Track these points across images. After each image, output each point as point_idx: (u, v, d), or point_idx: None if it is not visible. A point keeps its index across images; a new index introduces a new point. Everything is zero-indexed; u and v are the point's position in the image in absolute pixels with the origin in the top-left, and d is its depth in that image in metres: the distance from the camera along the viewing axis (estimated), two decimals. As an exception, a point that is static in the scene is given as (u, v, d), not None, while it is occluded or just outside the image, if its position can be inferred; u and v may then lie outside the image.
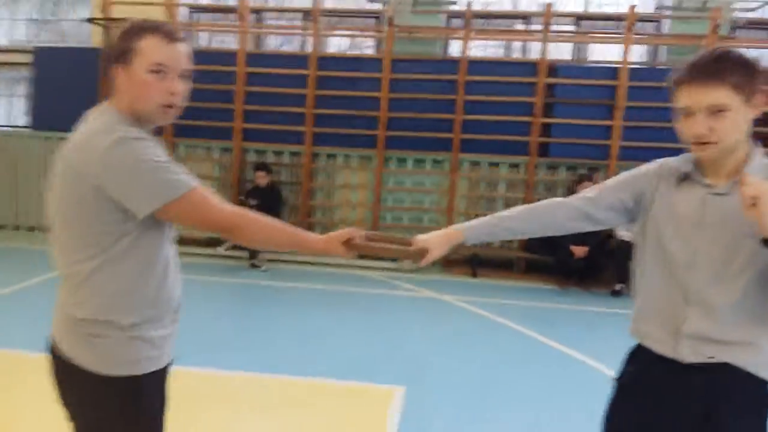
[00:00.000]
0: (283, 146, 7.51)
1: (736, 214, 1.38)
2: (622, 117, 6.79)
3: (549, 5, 6.65)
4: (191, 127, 7.38)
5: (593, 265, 6.38)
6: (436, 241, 1.64)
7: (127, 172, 1.43)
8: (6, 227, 8.11)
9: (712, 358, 1.45)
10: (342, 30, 7.89)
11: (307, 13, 7.43)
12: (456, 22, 7.35)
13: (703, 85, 1.39)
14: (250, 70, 7.35)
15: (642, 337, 1.58)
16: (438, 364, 4.09)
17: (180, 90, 1.54)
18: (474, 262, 6.92)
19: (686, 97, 1.41)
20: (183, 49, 1.55)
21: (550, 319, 5.21)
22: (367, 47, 7.99)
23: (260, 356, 4.06)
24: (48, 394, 1.62)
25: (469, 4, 6.79)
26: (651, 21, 7.28)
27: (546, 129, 6.97)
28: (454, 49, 7.48)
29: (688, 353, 1.47)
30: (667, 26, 7.19)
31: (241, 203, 6.88)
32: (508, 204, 6.99)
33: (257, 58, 7.48)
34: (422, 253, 1.63)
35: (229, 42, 8.17)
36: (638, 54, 7.50)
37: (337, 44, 8.16)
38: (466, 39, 6.93)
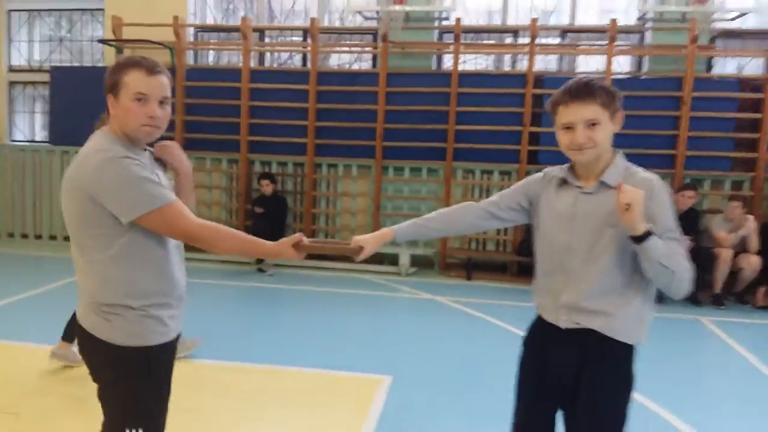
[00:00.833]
0: (287, 157, 7.92)
1: (599, 209, 1.80)
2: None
3: (535, 20, 7.01)
4: (200, 140, 7.84)
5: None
6: (370, 240, 2.04)
7: (113, 186, 1.80)
8: (28, 236, 8.57)
9: (579, 324, 1.84)
10: (340, 47, 8.27)
11: (306, 32, 7.83)
12: (448, 37, 7.72)
13: (581, 104, 1.78)
14: (254, 85, 7.76)
15: (538, 308, 1.99)
16: (427, 358, 4.47)
17: (159, 114, 1.89)
18: (469, 265, 7.28)
19: (567, 115, 1.81)
20: (162, 80, 1.90)
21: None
22: (364, 62, 8.37)
23: (264, 350, 4.47)
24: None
25: (458, 20, 7.17)
26: (635, 32, 7.60)
27: (535, 138, 7.32)
28: (446, 62, 7.84)
29: (564, 320, 1.87)
30: (650, 37, 7.52)
31: (248, 211, 7.33)
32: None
33: (260, 74, 7.90)
34: (358, 250, 2.02)
35: (233, 59, 8.59)
36: (626, 64, 7.84)
37: (335, 60, 8.56)
38: (456, 53, 7.30)
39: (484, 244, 7.73)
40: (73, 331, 3.88)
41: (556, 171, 1.96)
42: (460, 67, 7.40)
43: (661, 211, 1.79)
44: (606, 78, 7.04)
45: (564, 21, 7.78)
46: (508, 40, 7.85)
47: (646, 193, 1.72)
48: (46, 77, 8.46)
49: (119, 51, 7.95)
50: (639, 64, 7.70)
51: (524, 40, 7.43)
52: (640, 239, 1.69)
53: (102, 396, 1.99)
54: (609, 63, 7.01)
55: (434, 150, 7.53)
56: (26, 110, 9.01)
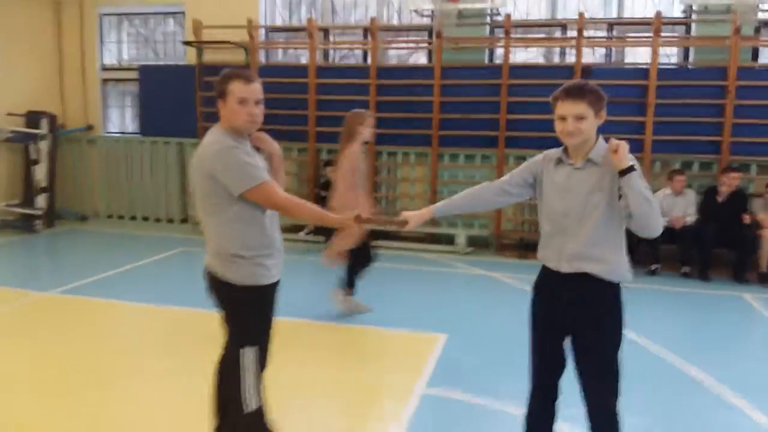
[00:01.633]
0: (350, 146, 8.62)
1: (588, 180, 2.38)
2: (653, 113, 7.53)
3: (582, 14, 7.45)
4: (273, 131, 8.47)
5: (629, 246, 7.13)
6: (414, 215, 2.67)
7: (227, 168, 2.53)
8: (123, 217, 9.62)
9: (578, 269, 2.42)
10: (398, 43, 8.90)
11: (366, 29, 8.48)
12: (498, 32, 8.22)
13: (573, 102, 2.36)
14: (320, 81, 8.49)
15: (543, 260, 2.57)
16: (480, 322, 5.12)
17: (256, 112, 2.61)
18: (522, 245, 7.83)
19: (561, 109, 2.38)
20: (256, 87, 2.62)
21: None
22: (420, 57, 8.96)
23: (334, 312, 5.20)
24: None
25: (508, 16, 7.68)
26: (681, 24, 7.92)
27: (583, 125, 7.75)
28: (498, 56, 8.36)
29: (566, 267, 2.46)
30: (696, 29, 7.82)
31: (316, 195, 8.08)
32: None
33: (326, 70, 8.62)
34: (404, 223, 2.67)
35: (301, 57, 9.33)
36: (673, 55, 8.16)
37: (394, 55, 9.18)
38: (507, 47, 7.82)
39: (536, 225, 8.25)
40: (351, 281, 5.11)
41: (553, 152, 2.53)
42: (511, 60, 7.92)
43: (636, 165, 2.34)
44: (652, 69, 7.44)
45: (612, 14, 8.15)
46: (557, 33, 8.28)
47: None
48: (134, 75, 9.43)
49: (200, 51, 8.81)
50: (685, 55, 8.00)
51: (572, 33, 7.85)
52: (625, 172, 2.25)
53: (224, 322, 2.74)
54: (655, 54, 7.39)
55: (487, 138, 8.08)
56: (118, 105, 10.02)
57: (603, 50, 8.31)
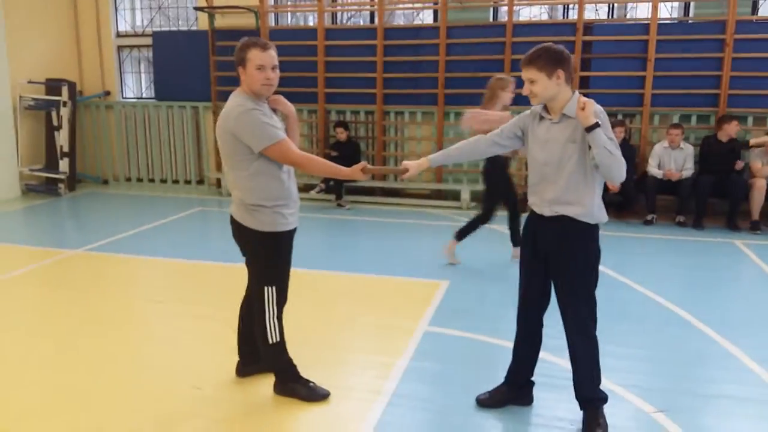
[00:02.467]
0: (359, 106, 8.89)
1: (563, 132, 2.68)
2: (653, 68, 7.70)
3: (584, -28, 7.58)
4: (284, 93, 8.82)
5: (627, 198, 7.41)
6: (413, 164, 2.99)
7: (248, 128, 2.85)
8: (142, 180, 10.02)
9: (557, 212, 2.74)
10: (403, 3, 9.06)
11: (374, -9, 8.64)
12: (503, -9, 8.34)
13: (525, 68, 2.67)
14: (329, 42, 8.71)
15: (531, 205, 2.89)
16: (479, 269, 5.48)
17: (272, 76, 2.92)
18: (525, 199, 8.10)
19: (524, 74, 2.68)
20: (271, 53, 2.92)
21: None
22: (426, 17, 9.12)
23: (345, 263, 5.58)
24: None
25: (513, -24, 7.83)
26: (683, -22, 8.01)
27: (585, 82, 7.97)
28: (502, 14, 8.51)
29: (547, 211, 2.78)
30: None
31: (326, 155, 8.39)
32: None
33: (334, 32, 8.83)
34: (404, 170, 2.98)
35: (309, 19, 9.52)
36: (674, 10, 8.27)
37: (400, 15, 9.35)
38: (511, 5, 7.97)
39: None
40: (463, 232, 5.65)
41: (537, 108, 2.82)
42: (515, 19, 8.08)
43: (603, 125, 2.60)
44: (652, 24, 7.58)
45: (614, -30, 8.24)
46: (560, -10, 8.40)
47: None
48: (149, 41, 9.69)
49: (212, 16, 9.04)
50: (686, 9, 8.12)
51: (575, -10, 7.97)
52: (590, 129, 2.54)
53: (248, 264, 3.11)
54: (655, 9, 7.52)
55: (491, 96, 8.29)
56: (134, 71, 10.31)
57: (605, 6, 8.43)
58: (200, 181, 9.76)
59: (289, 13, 9.66)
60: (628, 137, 7.71)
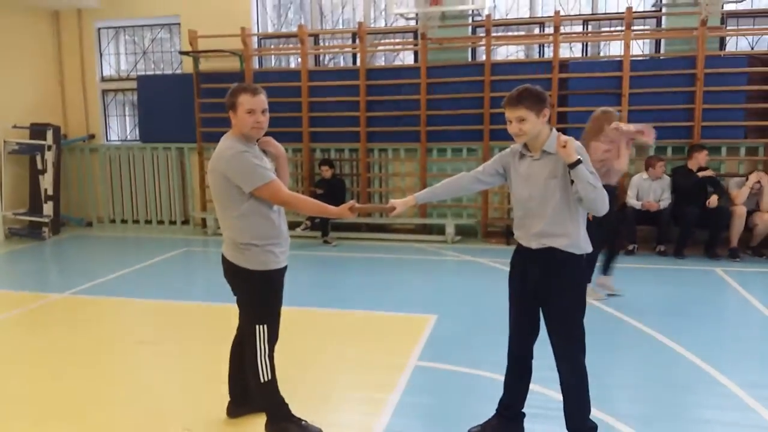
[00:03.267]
0: (343, 144, 9.03)
1: (544, 168, 2.77)
2: (627, 103, 7.94)
3: (558, 12, 7.86)
4: (269, 133, 8.96)
5: (613, 231, 7.52)
6: (400, 202, 3.07)
7: (239, 169, 2.93)
8: (127, 222, 10.01)
9: (545, 244, 2.81)
10: (384, 45, 9.29)
11: (355, 34, 8.87)
12: (480, 32, 8.62)
13: (514, 107, 2.77)
14: (312, 83, 8.89)
15: (517, 238, 2.97)
16: (467, 303, 5.53)
17: (262, 119, 3.02)
18: (508, 232, 8.24)
19: (507, 114, 2.80)
20: (261, 98, 3.03)
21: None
22: (406, 58, 9.35)
23: (333, 300, 5.61)
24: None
25: (488, 16, 8.09)
26: (652, 17, 8.34)
27: (563, 117, 8.19)
28: (480, 54, 8.76)
29: (534, 244, 2.85)
30: (666, 21, 8.25)
31: (311, 193, 8.47)
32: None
33: (317, 73, 9.02)
34: (391, 209, 3.06)
35: (293, 62, 9.70)
36: (646, 47, 8.57)
37: (381, 56, 9.57)
38: (488, 45, 8.23)
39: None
40: (608, 266, 5.60)
41: (517, 147, 2.92)
42: (492, 58, 8.33)
43: (585, 160, 2.71)
44: (625, 61, 7.85)
45: (586, 10, 8.56)
46: (536, 30, 8.69)
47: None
48: (133, 85, 9.81)
49: (196, 60, 9.18)
50: (657, 46, 8.43)
51: (550, 30, 8.26)
52: (573, 165, 2.64)
53: (239, 303, 3.14)
54: (627, 47, 7.81)
55: (473, 132, 8.50)
56: (118, 114, 10.38)
57: (579, 45, 8.72)
58: (185, 221, 9.78)
59: (273, 56, 9.85)
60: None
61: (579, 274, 2.87)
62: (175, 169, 9.70)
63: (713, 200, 7.16)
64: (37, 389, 3.83)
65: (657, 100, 7.90)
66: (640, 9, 8.38)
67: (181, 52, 9.34)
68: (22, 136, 9.21)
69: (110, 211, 10.07)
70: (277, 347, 3.18)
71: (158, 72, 10.05)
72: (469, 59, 8.81)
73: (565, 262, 2.82)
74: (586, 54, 8.69)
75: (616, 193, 5.40)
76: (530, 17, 8.67)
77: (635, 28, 8.03)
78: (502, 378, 3.13)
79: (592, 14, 8.50)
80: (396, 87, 8.69)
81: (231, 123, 3.04)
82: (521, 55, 9.00)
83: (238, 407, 3.36)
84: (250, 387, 3.18)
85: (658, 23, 8.37)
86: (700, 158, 7.33)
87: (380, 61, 9.46)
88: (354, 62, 9.18)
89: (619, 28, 8.13)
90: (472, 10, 8.52)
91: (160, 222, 9.87)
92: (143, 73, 9.98)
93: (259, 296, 3.08)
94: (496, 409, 3.16)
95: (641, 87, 7.91)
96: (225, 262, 3.11)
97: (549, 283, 2.84)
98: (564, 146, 2.66)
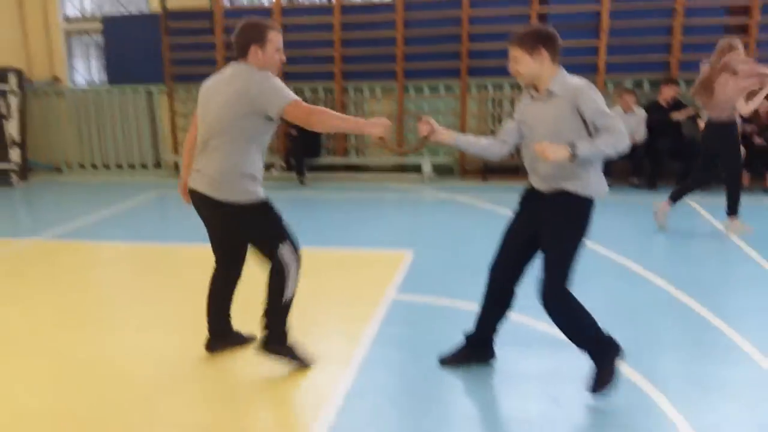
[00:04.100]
0: (318, 83, 8.84)
1: (552, 111, 2.67)
2: (606, 37, 7.84)
3: (536, -58, 7.64)
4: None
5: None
6: (442, 130, 2.91)
7: (271, 89, 2.79)
8: (97, 167, 9.79)
9: (555, 187, 2.72)
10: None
11: (328, -33, 8.56)
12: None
13: (510, 47, 2.70)
14: (285, 21, 8.60)
15: (529, 180, 2.90)
16: (443, 238, 5.55)
17: (284, 57, 2.97)
18: (485, 169, 8.24)
19: (510, 52, 2.71)
20: (281, 37, 2.96)
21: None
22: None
23: (311, 238, 5.56)
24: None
25: (466, -52, 7.84)
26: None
27: (541, 52, 8.06)
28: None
29: (545, 187, 2.77)
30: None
31: (286, 133, 8.34)
32: (510, 119, 8.22)
33: (290, 11, 8.75)
34: (429, 130, 2.87)
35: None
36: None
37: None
38: (465, -22, 8.01)
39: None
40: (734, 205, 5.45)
41: (526, 90, 2.83)
42: (470, -9, 8.12)
43: (588, 105, 2.59)
44: (603, -7, 7.72)
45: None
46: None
47: (575, 97, 2.59)
48: (98, 26, 9.41)
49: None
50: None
51: (528, -39, 8.04)
52: (571, 159, 2.53)
53: (250, 241, 3.09)
54: (605, -19, 7.65)
55: (450, 69, 8.37)
56: (84, 56, 10.01)
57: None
58: (157, 165, 9.60)
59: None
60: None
61: (583, 216, 2.75)
62: (145, 111, 9.44)
63: (676, 114, 7.24)
64: (8, 333, 3.79)
65: (635, 34, 7.81)
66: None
67: (147, -11, 8.96)
68: (-17, 80, 8.85)
69: (80, 156, 9.81)
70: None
71: (124, 12, 9.64)
72: (446, -7, 8.57)
73: (573, 203, 2.73)
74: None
75: (736, 131, 5.32)
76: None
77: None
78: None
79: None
80: (372, 24, 8.46)
81: (246, 56, 2.89)
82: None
83: (217, 342, 3.35)
84: (228, 324, 3.26)
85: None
86: (666, 92, 7.32)
87: (355, -3, 9.17)
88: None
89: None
90: (449, -58, 8.24)
91: (131, 166, 9.67)
92: (109, 13, 9.58)
93: (267, 221, 3.05)
94: (466, 335, 3.16)
95: (620, 20, 7.79)
96: (222, 206, 2.94)
97: (555, 223, 2.77)
98: (543, 154, 2.53)
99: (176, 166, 9.11)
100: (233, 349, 3.37)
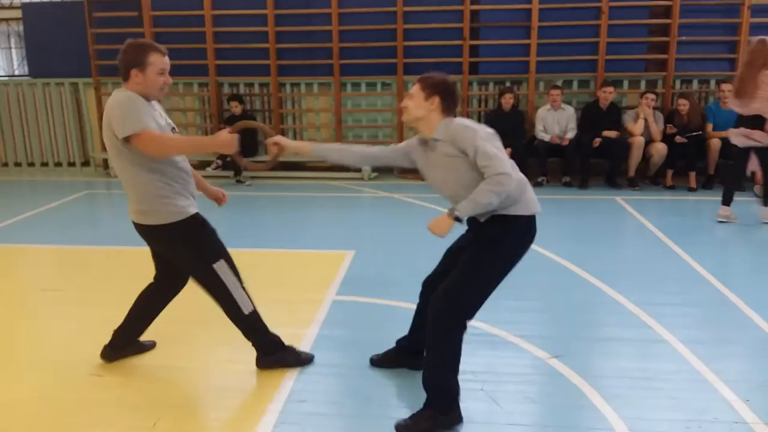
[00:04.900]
0: (253, 78, 8.69)
1: (438, 155, 2.65)
2: (537, 36, 8.04)
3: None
4: (172, 66, 8.51)
5: (521, 162, 7.73)
6: (292, 144, 2.98)
7: (121, 116, 2.68)
8: (21, 165, 9.31)
9: (480, 217, 2.68)
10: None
11: (263, -41, 8.40)
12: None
13: (415, 82, 2.71)
14: (216, 12, 8.41)
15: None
16: (383, 237, 5.58)
17: (170, 80, 2.87)
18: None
19: (412, 86, 2.72)
20: (167, 58, 2.85)
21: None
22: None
23: (249, 240, 5.51)
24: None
25: (402, -55, 7.86)
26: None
27: (475, 50, 8.21)
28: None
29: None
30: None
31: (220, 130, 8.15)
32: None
33: (222, 1, 8.50)
34: (274, 143, 2.96)
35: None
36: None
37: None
38: (401, -25, 8.04)
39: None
40: (728, 195, 5.73)
41: (420, 135, 2.80)
42: (405, -12, 8.16)
43: (467, 144, 2.55)
44: (535, -7, 7.90)
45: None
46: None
47: (454, 140, 2.57)
48: (18, 14, 8.93)
49: (87, -15, 8.44)
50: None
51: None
52: (458, 221, 2.56)
53: (180, 261, 3.04)
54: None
55: (386, 65, 8.38)
56: (3, 47, 9.48)
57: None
58: (85, 163, 9.21)
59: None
60: (517, 103, 8.05)
61: (511, 237, 2.73)
62: (71, 106, 9.04)
63: (613, 133, 7.49)
64: (-73, 344, 3.57)
65: (565, 34, 8.05)
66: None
67: (70, -23, 8.55)
68: None
69: (1, 154, 9.31)
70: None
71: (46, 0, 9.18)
72: (382, -11, 8.57)
73: (500, 225, 2.69)
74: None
75: None
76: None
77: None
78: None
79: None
80: (307, 17, 8.37)
81: (129, 80, 2.78)
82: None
83: (116, 352, 3.28)
84: (132, 336, 3.25)
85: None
86: (604, 96, 7.55)
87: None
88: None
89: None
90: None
91: (58, 164, 9.25)
92: (29, 0, 9.09)
93: (197, 240, 2.97)
94: (397, 341, 3.20)
95: (549, 20, 8.01)
96: (146, 229, 2.91)
97: (475, 242, 2.77)
98: (432, 233, 2.59)
99: (105, 164, 8.76)
100: (131, 357, 3.31)
